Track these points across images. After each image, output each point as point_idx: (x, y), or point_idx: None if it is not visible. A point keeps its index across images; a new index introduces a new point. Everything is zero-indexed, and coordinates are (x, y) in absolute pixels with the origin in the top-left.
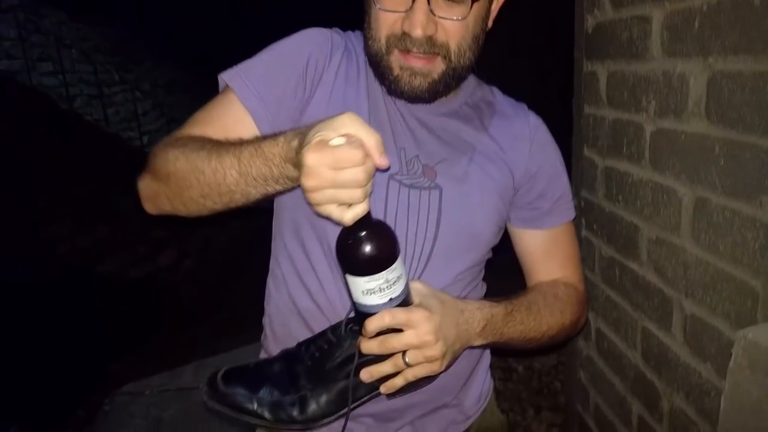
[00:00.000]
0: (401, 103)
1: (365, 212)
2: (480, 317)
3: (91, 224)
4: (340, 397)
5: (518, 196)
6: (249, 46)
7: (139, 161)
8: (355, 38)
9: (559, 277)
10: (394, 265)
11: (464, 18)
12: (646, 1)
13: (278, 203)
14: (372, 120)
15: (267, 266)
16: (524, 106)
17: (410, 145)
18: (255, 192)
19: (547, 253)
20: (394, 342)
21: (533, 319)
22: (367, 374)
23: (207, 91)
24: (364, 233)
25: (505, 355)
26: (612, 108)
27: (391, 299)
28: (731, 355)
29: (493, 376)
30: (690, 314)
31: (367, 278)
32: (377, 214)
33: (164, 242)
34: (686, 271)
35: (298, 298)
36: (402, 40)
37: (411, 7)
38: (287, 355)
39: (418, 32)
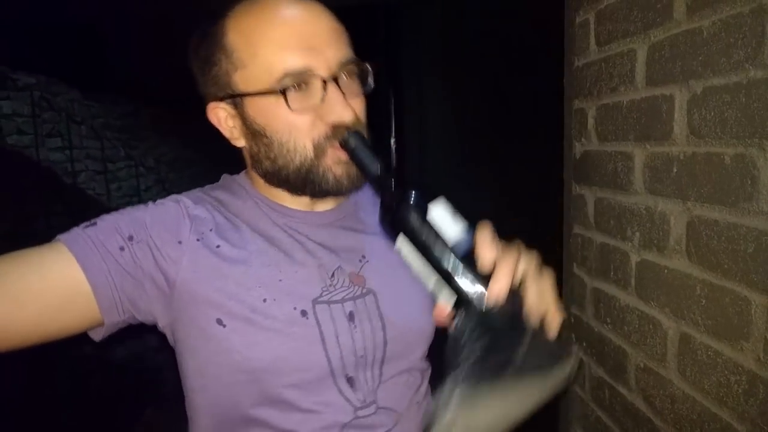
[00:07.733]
0: (300, 224)
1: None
2: None
3: None
4: None
5: None
6: None
7: None
8: (203, 193)
9: None
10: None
11: (364, 94)
12: (628, 139)
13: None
14: (278, 251)
15: None
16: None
17: (329, 258)
18: None
19: None
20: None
21: None
22: None
23: (208, 167)
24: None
25: None
26: (599, 232)
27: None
28: None
29: None
30: None
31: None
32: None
33: None
34: (674, 404)
35: None
36: (335, 136)
37: (324, 96)
38: None
39: (350, 114)
